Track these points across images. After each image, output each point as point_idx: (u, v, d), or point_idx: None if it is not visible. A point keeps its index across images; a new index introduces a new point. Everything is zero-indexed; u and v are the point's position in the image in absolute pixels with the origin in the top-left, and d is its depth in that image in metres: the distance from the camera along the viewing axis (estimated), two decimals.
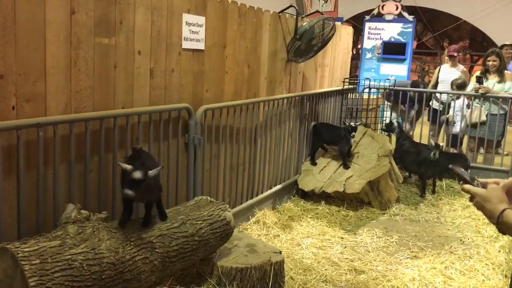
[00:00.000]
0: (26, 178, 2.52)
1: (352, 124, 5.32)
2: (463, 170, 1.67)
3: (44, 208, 2.62)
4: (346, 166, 5.31)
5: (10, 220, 2.50)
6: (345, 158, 5.36)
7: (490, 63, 6.51)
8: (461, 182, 1.64)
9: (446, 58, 7.76)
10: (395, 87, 6.86)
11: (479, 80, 6.43)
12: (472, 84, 6.68)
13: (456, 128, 6.73)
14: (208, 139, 3.81)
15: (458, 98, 6.68)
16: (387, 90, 6.91)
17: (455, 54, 7.50)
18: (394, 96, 6.91)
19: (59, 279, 2.17)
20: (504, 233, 1.52)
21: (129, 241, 2.54)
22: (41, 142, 2.53)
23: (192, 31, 3.54)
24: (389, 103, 7.24)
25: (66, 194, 2.74)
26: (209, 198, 3.27)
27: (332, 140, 5.51)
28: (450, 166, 1.72)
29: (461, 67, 7.63)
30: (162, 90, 3.38)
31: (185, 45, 3.51)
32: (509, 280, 3.35)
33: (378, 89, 6.88)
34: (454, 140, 6.76)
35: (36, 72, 2.52)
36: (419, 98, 6.80)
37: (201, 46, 3.66)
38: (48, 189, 2.65)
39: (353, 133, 5.28)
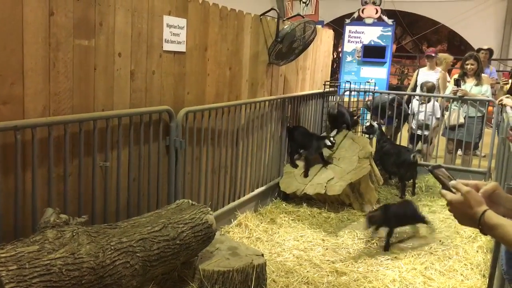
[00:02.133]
0: (4, 182, 2.47)
1: (331, 139, 5.36)
2: (444, 171, 1.66)
3: (22, 212, 2.58)
4: (305, 174, 5.31)
5: None
6: (308, 165, 5.37)
7: (468, 66, 6.62)
8: (441, 187, 1.64)
9: (426, 60, 7.89)
10: (375, 95, 6.95)
11: (457, 82, 6.54)
12: (450, 87, 6.78)
13: (427, 132, 6.85)
14: (189, 141, 3.79)
15: (429, 101, 6.80)
16: (368, 102, 7.01)
17: (433, 54, 7.63)
18: (374, 110, 6.99)
19: (38, 285, 2.13)
20: (485, 234, 1.53)
21: (110, 246, 2.50)
22: (19, 145, 2.49)
23: (173, 33, 3.52)
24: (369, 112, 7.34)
25: (45, 198, 2.70)
26: (190, 201, 3.25)
27: (303, 145, 5.54)
28: (429, 168, 1.71)
29: (439, 70, 7.75)
30: (143, 92, 3.36)
31: (166, 47, 3.49)
32: (487, 279, 3.41)
33: (358, 92, 6.95)
34: (425, 139, 6.86)
35: (13, 74, 2.48)
36: (398, 114, 6.87)
37: (182, 48, 3.65)
38: (26, 193, 2.61)
39: (329, 143, 5.31)
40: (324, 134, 5.42)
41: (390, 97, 6.91)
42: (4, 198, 2.48)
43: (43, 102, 2.65)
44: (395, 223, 4.39)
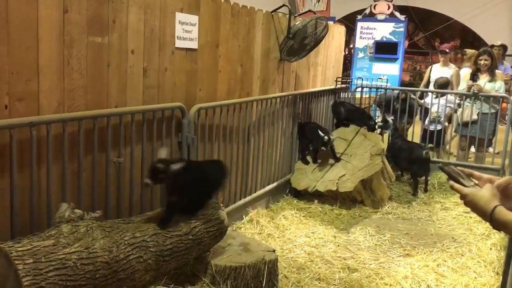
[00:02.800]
0: (19, 178, 2.51)
1: (329, 136, 5.21)
2: (453, 168, 1.66)
3: (38, 207, 2.61)
4: (314, 160, 5.50)
5: (3, 220, 2.48)
6: (315, 154, 5.50)
7: (482, 62, 6.55)
8: (450, 181, 1.63)
9: (439, 55, 7.82)
10: (387, 91, 6.93)
11: (473, 77, 6.48)
12: (464, 83, 6.73)
13: (440, 126, 6.81)
14: (201, 138, 3.81)
15: (442, 96, 6.76)
16: (377, 98, 6.98)
17: (447, 50, 7.56)
18: (382, 104, 6.94)
19: (53, 279, 2.17)
20: (498, 230, 1.52)
21: (123, 240, 2.54)
22: (34, 141, 2.52)
23: (185, 30, 3.54)
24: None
25: (60, 193, 2.73)
26: None
27: (312, 138, 5.51)
28: (440, 165, 1.70)
29: (452, 66, 7.69)
30: (155, 89, 3.38)
31: (178, 44, 3.50)
32: (501, 277, 3.39)
33: (370, 88, 6.92)
34: (437, 137, 6.79)
35: (28, 71, 2.51)
36: (409, 111, 6.83)
37: (194, 45, 3.66)
38: (42, 188, 2.64)
39: (323, 147, 5.19)
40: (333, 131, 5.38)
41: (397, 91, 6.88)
42: (19, 193, 2.52)
43: (57, 99, 2.68)
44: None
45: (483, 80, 6.55)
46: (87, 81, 2.84)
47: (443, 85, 7.01)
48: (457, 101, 6.78)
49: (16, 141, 2.45)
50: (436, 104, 6.73)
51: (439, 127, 6.77)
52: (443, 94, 6.76)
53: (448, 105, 6.78)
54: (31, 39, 2.50)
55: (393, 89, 7.11)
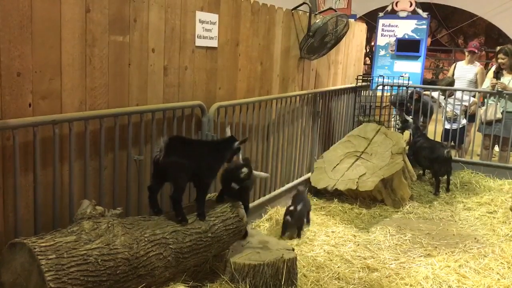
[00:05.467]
0: (42, 175, 2.56)
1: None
2: None
3: (60, 204, 2.66)
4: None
5: (27, 216, 2.54)
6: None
7: (499, 61, 6.44)
8: None
9: (466, 53, 7.67)
10: (409, 89, 6.85)
11: (497, 75, 6.36)
12: (488, 81, 6.61)
13: (461, 122, 6.72)
14: (221, 136, 3.82)
15: (450, 95, 6.67)
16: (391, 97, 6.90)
17: (476, 51, 7.41)
18: (399, 104, 6.86)
19: (75, 274, 2.21)
20: None
21: (143, 237, 2.56)
22: (56, 139, 2.57)
23: (206, 29, 3.56)
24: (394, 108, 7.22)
25: (81, 190, 2.78)
26: None
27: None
28: None
29: (477, 64, 7.55)
30: (176, 88, 3.40)
31: (199, 42, 3.52)
32: None
33: (391, 86, 6.84)
34: (457, 136, 6.69)
35: (52, 70, 2.56)
36: (424, 110, 6.76)
37: (214, 43, 3.68)
38: (64, 185, 2.69)
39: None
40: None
41: (409, 91, 6.80)
42: (43, 190, 2.57)
43: (79, 97, 2.72)
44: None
45: (507, 78, 6.42)
46: (109, 80, 2.88)
47: (448, 85, 6.94)
48: (467, 97, 6.66)
49: (40, 139, 2.50)
50: (448, 104, 6.67)
51: (458, 125, 6.69)
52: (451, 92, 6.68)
53: (457, 103, 6.67)
54: (54, 38, 2.54)
55: (415, 87, 7.02)
